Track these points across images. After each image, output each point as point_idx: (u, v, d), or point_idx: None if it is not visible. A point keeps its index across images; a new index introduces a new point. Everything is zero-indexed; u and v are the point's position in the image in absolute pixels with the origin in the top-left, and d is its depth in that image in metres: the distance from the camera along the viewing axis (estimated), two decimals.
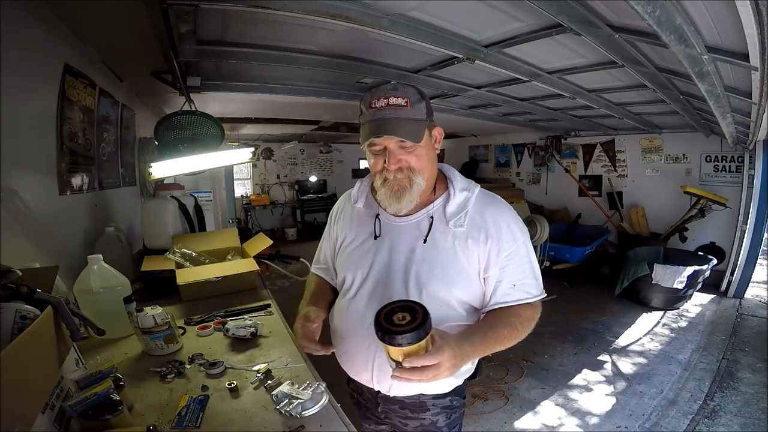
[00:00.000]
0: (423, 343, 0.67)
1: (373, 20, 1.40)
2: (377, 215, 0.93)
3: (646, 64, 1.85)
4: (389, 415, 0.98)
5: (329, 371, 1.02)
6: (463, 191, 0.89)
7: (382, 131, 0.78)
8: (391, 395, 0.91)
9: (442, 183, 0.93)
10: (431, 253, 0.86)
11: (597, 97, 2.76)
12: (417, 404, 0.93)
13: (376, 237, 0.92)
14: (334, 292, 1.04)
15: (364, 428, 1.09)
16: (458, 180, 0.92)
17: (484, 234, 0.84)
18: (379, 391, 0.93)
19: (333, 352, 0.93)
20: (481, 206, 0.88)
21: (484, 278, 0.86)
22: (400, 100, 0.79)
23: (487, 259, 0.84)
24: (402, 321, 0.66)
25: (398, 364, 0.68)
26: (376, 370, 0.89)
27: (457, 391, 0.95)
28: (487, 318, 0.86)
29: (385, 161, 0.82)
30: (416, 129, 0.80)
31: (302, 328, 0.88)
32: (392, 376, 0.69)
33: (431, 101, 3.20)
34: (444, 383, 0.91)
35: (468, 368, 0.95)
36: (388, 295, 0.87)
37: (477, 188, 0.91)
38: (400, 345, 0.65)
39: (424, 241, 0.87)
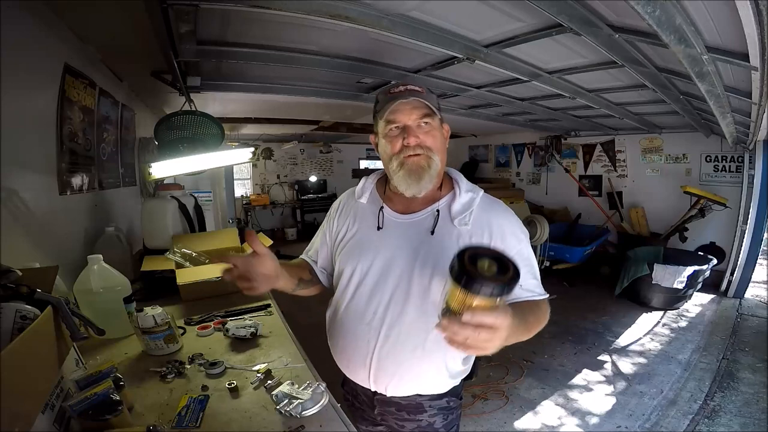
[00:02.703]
0: (496, 301, 0.57)
1: (373, 20, 1.40)
2: (381, 209, 0.93)
3: (646, 64, 1.85)
4: (385, 417, 0.97)
5: (329, 371, 1.02)
6: (469, 192, 0.91)
7: (408, 96, 0.83)
8: (388, 395, 0.91)
9: (447, 183, 0.94)
10: (435, 249, 0.86)
11: (597, 97, 2.76)
12: (414, 406, 0.92)
13: (379, 228, 0.91)
14: (312, 276, 1.01)
15: (361, 430, 1.08)
16: (464, 182, 0.93)
17: (487, 234, 0.85)
18: (375, 392, 0.93)
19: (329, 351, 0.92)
20: (485, 208, 0.89)
21: None
22: (417, 88, 0.86)
23: None
24: (488, 270, 0.58)
25: (452, 313, 0.58)
26: (374, 369, 0.88)
27: (454, 392, 0.95)
28: (515, 305, 0.83)
29: (404, 139, 0.85)
30: (433, 108, 0.85)
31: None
32: (437, 325, 0.59)
33: None
34: (440, 383, 0.91)
35: (464, 368, 0.95)
36: (390, 291, 0.86)
37: (481, 192, 0.93)
38: (477, 293, 0.55)
39: (432, 233, 0.87)
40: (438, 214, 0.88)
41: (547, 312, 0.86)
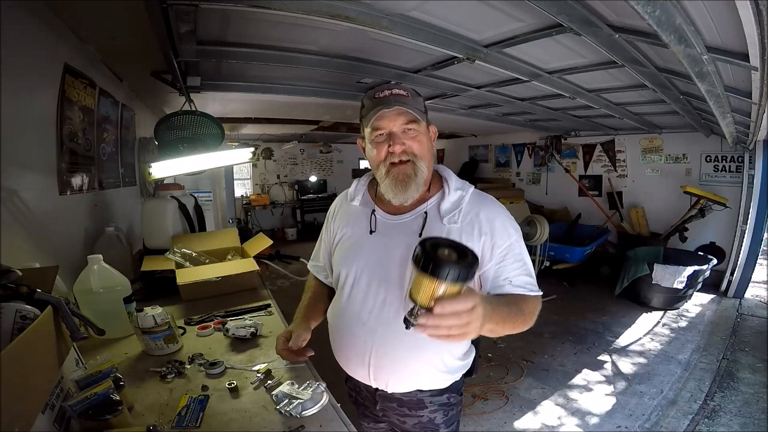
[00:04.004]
0: (460, 287, 0.58)
1: (373, 20, 1.40)
2: (373, 211, 0.94)
3: (646, 64, 1.85)
4: (387, 412, 0.98)
5: (329, 371, 1.02)
6: (458, 190, 0.91)
7: (391, 104, 0.83)
8: (389, 392, 0.92)
9: (437, 182, 0.95)
10: None
11: (597, 97, 2.76)
12: (414, 402, 0.93)
13: (371, 232, 0.93)
14: (330, 296, 1.06)
15: (363, 427, 1.10)
16: (453, 180, 0.93)
17: (477, 231, 0.85)
18: (377, 389, 0.94)
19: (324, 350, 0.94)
20: (475, 205, 0.89)
21: (479, 275, 0.86)
22: (402, 92, 0.86)
23: (481, 255, 0.85)
24: (448, 257, 0.59)
25: (422, 309, 0.59)
26: (373, 366, 0.89)
27: (454, 389, 0.96)
28: (497, 295, 0.85)
29: (389, 146, 0.85)
30: (419, 112, 0.85)
31: (281, 344, 0.94)
32: (416, 326, 0.60)
33: (431, 101, 3.18)
34: (439, 379, 0.92)
35: (464, 363, 0.95)
36: (383, 291, 0.87)
37: (471, 188, 0.93)
38: (441, 278, 0.56)
39: (420, 236, 0.87)
40: (426, 216, 0.89)
41: (535, 307, 0.85)
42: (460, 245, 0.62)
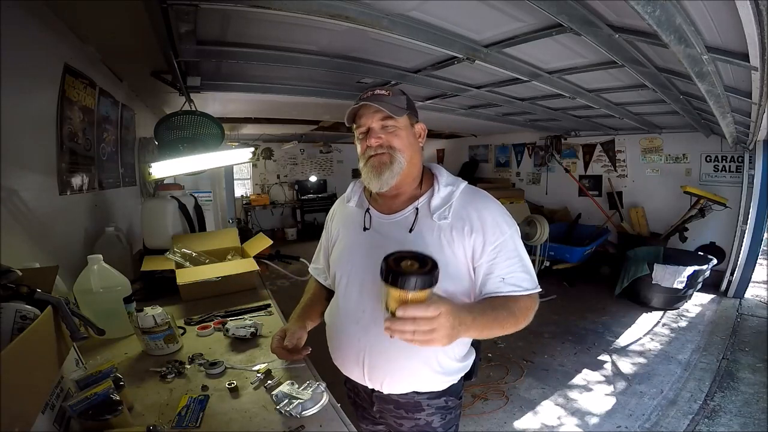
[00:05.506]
0: (425, 293, 0.64)
1: (373, 20, 1.40)
2: (367, 210, 0.95)
3: (646, 64, 1.85)
4: (384, 415, 0.98)
5: (329, 371, 1.02)
6: (448, 186, 0.91)
7: (371, 101, 0.87)
8: (385, 392, 0.92)
9: (429, 180, 0.95)
10: (418, 246, 0.86)
11: (597, 97, 2.76)
12: (412, 404, 0.93)
13: (365, 229, 0.93)
14: (329, 298, 1.07)
15: (361, 429, 1.09)
16: (444, 176, 0.94)
17: (468, 226, 0.85)
18: (374, 390, 0.94)
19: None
20: (466, 200, 0.89)
21: (474, 268, 0.86)
22: (383, 91, 0.89)
23: (473, 251, 0.85)
24: (411, 267, 0.64)
25: (391, 314, 0.66)
26: (367, 366, 0.89)
27: (452, 392, 0.95)
28: (484, 300, 0.85)
29: (367, 140, 0.88)
30: (395, 109, 0.87)
31: (276, 342, 0.94)
32: (385, 328, 0.66)
33: (431, 101, 3.15)
34: (435, 381, 0.91)
35: (463, 365, 0.95)
36: (377, 289, 0.87)
37: (463, 184, 0.93)
38: (405, 288, 0.62)
39: (410, 231, 0.88)
40: (417, 212, 0.89)
41: (529, 309, 0.84)
42: (421, 255, 0.66)
